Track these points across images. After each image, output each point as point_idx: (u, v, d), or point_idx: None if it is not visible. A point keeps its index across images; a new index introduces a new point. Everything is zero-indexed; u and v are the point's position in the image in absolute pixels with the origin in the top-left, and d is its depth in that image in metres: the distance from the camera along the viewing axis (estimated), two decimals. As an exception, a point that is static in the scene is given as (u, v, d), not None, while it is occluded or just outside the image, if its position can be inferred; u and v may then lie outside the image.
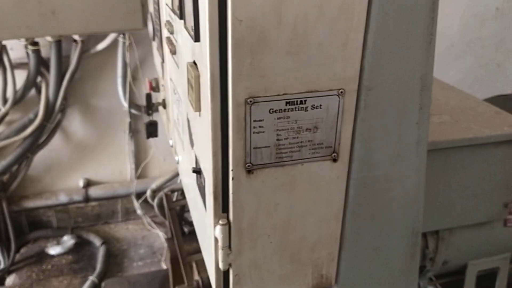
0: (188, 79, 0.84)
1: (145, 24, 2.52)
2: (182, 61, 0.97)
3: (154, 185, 1.83)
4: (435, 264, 1.44)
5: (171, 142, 1.38)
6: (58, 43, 2.60)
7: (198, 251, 1.93)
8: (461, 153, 1.25)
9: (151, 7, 1.47)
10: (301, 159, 0.80)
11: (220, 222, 0.81)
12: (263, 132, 0.75)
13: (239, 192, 0.79)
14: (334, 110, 0.77)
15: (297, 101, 0.75)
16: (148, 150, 3.34)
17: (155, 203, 1.95)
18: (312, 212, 0.85)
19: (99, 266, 3.02)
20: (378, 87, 0.78)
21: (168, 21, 1.08)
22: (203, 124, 0.80)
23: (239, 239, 0.83)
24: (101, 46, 2.74)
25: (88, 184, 3.30)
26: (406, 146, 0.85)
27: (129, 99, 2.97)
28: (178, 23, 0.95)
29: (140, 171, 3.38)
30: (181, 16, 0.86)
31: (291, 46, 0.71)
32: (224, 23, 0.68)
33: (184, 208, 1.81)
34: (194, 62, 0.82)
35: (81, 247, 3.21)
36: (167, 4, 1.09)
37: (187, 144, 1.04)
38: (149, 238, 3.37)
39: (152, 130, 1.49)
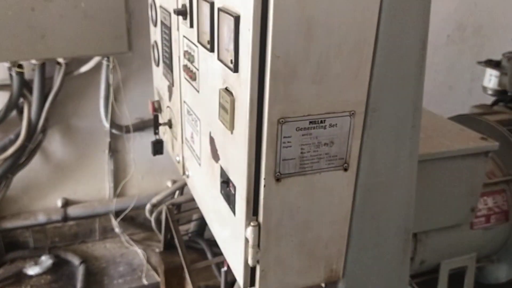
0: (221, 103, 0.99)
1: (130, 48, 2.64)
2: (206, 86, 1.12)
3: (154, 200, 1.93)
4: (414, 263, 1.63)
5: (178, 159, 1.51)
6: (43, 65, 2.67)
7: (193, 262, 2.05)
8: (435, 165, 1.45)
9: (155, 37, 1.61)
10: (319, 169, 0.96)
11: (252, 224, 0.96)
12: (290, 146, 0.91)
13: (269, 197, 0.94)
14: (346, 128, 0.94)
15: (318, 120, 0.91)
16: (127, 169, 3.41)
17: (153, 217, 2.04)
18: (326, 214, 1.01)
19: (79, 285, 3.05)
20: (381, 109, 0.96)
21: (187, 51, 1.23)
22: (237, 141, 0.94)
23: (267, 238, 0.97)
24: (84, 68, 2.83)
25: (67, 203, 3.33)
26: (401, 157, 1.03)
27: (110, 120, 3.05)
28: (203, 54, 1.10)
29: (118, 190, 3.44)
30: (212, 49, 1.01)
31: (315, 77, 0.87)
32: (263, 58, 0.84)
33: (178, 222, 1.92)
34: (226, 89, 0.97)
35: (60, 267, 3.22)
36: (185, 37, 1.24)
37: (207, 158, 1.17)
38: (128, 255, 3.42)
39: (158, 148, 1.61)
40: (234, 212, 1.01)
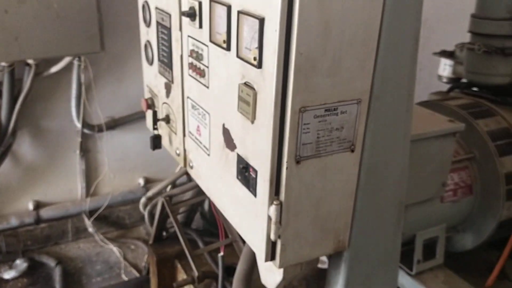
0: (240, 96, 1.10)
1: (102, 48, 2.67)
2: (218, 82, 1.22)
3: (150, 193, 1.99)
4: (394, 236, 1.80)
5: (178, 152, 1.60)
6: (12, 67, 2.65)
7: (182, 252, 2.13)
8: (413, 146, 1.62)
9: (147, 37, 1.68)
10: (332, 151, 1.09)
11: (275, 202, 1.08)
12: (309, 132, 1.04)
13: (290, 178, 1.06)
14: (354, 114, 1.08)
15: (332, 108, 1.04)
16: (99, 168, 3.43)
17: (147, 210, 2.10)
18: (336, 191, 1.14)
19: (58, 286, 3.05)
20: (381, 97, 1.10)
21: (193, 50, 1.32)
22: (259, 129, 1.06)
23: (287, 215, 1.10)
24: (55, 68, 2.83)
25: (38, 206, 3.31)
26: (398, 138, 1.18)
27: (82, 119, 3.06)
28: (215, 53, 1.20)
29: (91, 190, 3.45)
30: (229, 48, 1.12)
31: (330, 70, 1.00)
32: (287, 55, 0.95)
33: (167, 216, 1.99)
34: (246, 83, 1.08)
35: (35, 270, 3.20)
36: (190, 37, 1.33)
37: (218, 148, 1.28)
38: (103, 254, 3.45)
39: (157, 142, 1.68)
40: (255, 194, 1.13)
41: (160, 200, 1.89)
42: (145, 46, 1.71)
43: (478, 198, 2.00)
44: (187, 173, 1.88)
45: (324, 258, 1.41)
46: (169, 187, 2.07)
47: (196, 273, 1.73)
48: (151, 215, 2.09)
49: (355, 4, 0.97)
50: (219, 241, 1.95)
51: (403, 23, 1.06)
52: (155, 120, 1.64)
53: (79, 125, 3.08)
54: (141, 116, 3.41)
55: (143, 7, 1.65)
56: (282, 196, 1.08)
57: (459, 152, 1.98)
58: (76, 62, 2.82)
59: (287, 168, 1.05)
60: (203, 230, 2.28)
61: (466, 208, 2.01)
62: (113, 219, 3.60)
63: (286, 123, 1.01)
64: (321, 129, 1.05)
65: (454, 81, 2.53)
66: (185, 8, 1.33)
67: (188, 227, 2.28)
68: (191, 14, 1.26)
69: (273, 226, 1.10)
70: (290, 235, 1.13)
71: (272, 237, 1.11)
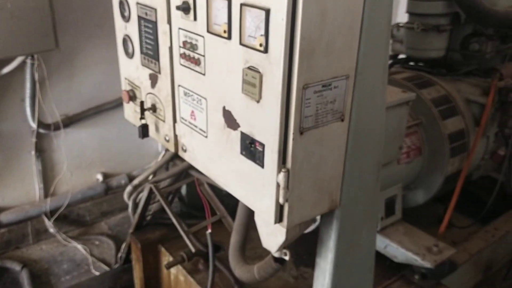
0: (245, 79, 1.24)
1: (57, 45, 2.67)
2: (216, 69, 1.35)
3: (136, 181, 2.05)
4: (363, 197, 2.03)
5: (167, 138, 1.71)
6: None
7: (166, 236, 2.24)
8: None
9: (126, 32, 1.76)
10: (327, 121, 1.27)
11: (283, 170, 1.24)
12: (310, 106, 1.21)
13: (295, 148, 1.22)
14: (343, 88, 1.26)
15: (327, 84, 1.22)
16: (55, 167, 3.40)
17: (131, 199, 2.16)
18: (330, 156, 1.33)
19: (27, 288, 3.03)
20: (363, 72, 1.29)
21: (186, 41, 1.44)
22: (265, 108, 1.21)
23: (293, 180, 1.26)
24: (6, 69, 2.77)
25: (-4, 211, 3.23)
26: (377, 107, 1.39)
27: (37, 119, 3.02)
28: (213, 42, 1.33)
29: (51, 190, 3.41)
30: (230, 37, 1.26)
31: (325, 51, 1.17)
32: (292, 40, 1.11)
33: (149, 201, 2.08)
34: (250, 67, 1.22)
35: (1, 276, 3.14)
36: (182, 29, 1.44)
37: (218, 129, 1.41)
38: (68, 253, 3.43)
39: (145, 131, 1.77)
40: (262, 165, 1.28)
41: (147, 187, 1.98)
42: (124, 40, 1.79)
43: (427, 158, 2.28)
44: (171, 160, 1.98)
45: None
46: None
47: (191, 250, 1.85)
48: (135, 203, 2.16)
49: (344, -6, 1.15)
50: (205, 220, 2.08)
51: (379, 10, 1.26)
52: (143, 110, 1.73)
53: (34, 125, 3.04)
54: (95, 112, 3.42)
55: (121, 3, 1.73)
56: (289, 164, 1.24)
57: (408, 119, 2.24)
58: (29, 61, 2.78)
59: (293, 139, 1.21)
60: (182, 214, 2.38)
61: (417, 168, 2.29)
62: (74, 218, 3.58)
63: (292, 100, 1.17)
64: (319, 102, 1.22)
65: (393, 57, 2.82)
66: (176, 2, 1.44)
67: (164, 213, 2.37)
68: (186, 8, 1.37)
69: (281, 191, 1.26)
70: (295, 198, 1.30)
71: (281, 200, 1.27)
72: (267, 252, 1.56)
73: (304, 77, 1.16)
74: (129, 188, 2.11)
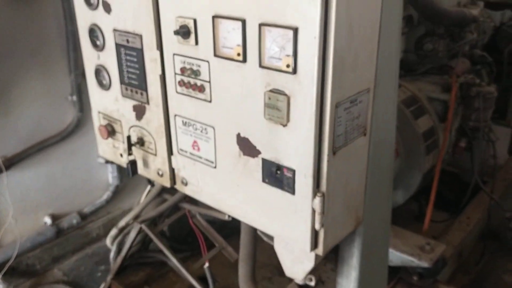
0: (267, 103, 1.16)
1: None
2: (228, 94, 1.26)
3: (123, 222, 1.85)
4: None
5: (160, 172, 1.57)
6: None
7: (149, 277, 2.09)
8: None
9: (99, 61, 1.60)
10: (354, 137, 1.22)
11: (318, 195, 1.17)
12: (341, 124, 1.16)
13: (330, 169, 1.17)
14: (365, 102, 1.23)
15: (354, 99, 1.17)
16: (-2, 216, 3.04)
17: (115, 243, 1.95)
18: (356, 172, 1.28)
19: None
20: (380, 84, 1.27)
21: (185, 68, 1.33)
22: (295, 131, 1.14)
23: (328, 203, 1.20)
24: None
25: None
26: (390, 118, 1.37)
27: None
28: (222, 66, 1.23)
29: (-7, 241, 3.05)
30: (245, 60, 1.17)
31: (353, 67, 1.13)
32: (324, 58, 1.06)
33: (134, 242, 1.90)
34: (273, 90, 1.14)
35: None
36: (178, 54, 1.33)
37: (232, 158, 1.32)
38: (21, 308, 3.08)
39: (134, 168, 1.61)
40: (292, 191, 1.21)
41: (136, 227, 1.80)
42: (97, 71, 1.63)
43: (404, 158, 2.33)
44: (158, 195, 1.83)
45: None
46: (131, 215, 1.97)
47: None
48: (119, 248, 1.96)
49: (366, 8, 1.12)
50: (190, 253, 1.95)
51: (393, 20, 1.24)
52: (130, 145, 1.58)
53: (-29, 172, 2.70)
54: (37, 149, 3.12)
55: (92, 30, 1.57)
56: (323, 187, 1.18)
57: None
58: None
59: (328, 161, 1.15)
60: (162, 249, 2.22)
61: (396, 169, 2.33)
62: (23, 269, 3.22)
63: (325, 120, 1.11)
64: (348, 119, 1.18)
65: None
66: (167, 26, 1.32)
67: (146, 251, 2.20)
68: (185, 33, 1.27)
69: (317, 217, 1.19)
70: (330, 222, 1.24)
71: (317, 226, 1.21)
72: (272, 274, 1.48)
73: (336, 95, 1.11)
74: (113, 232, 1.91)
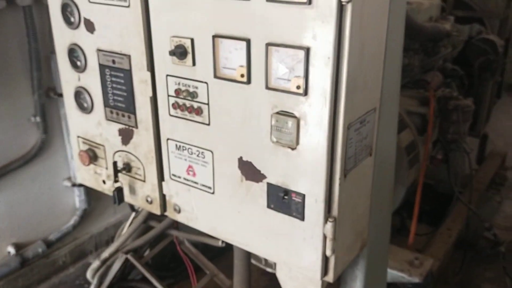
0: (276, 125, 1.10)
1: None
2: (227, 117, 1.19)
3: (106, 253, 1.71)
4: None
5: (149, 199, 1.48)
6: None
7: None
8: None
9: (79, 83, 1.50)
10: (361, 159, 1.18)
11: (329, 220, 1.12)
12: (351, 146, 1.11)
13: (341, 193, 1.12)
14: (372, 121, 1.19)
15: (363, 120, 1.14)
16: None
17: (97, 275, 1.80)
18: (363, 194, 1.25)
19: None
20: (384, 103, 1.24)
21: (179, 90, 1.26)
22: (305, 154, 1.09)
23: (339, 228, 1.15)
24: None
25: None
26: (392, 136, 1.34)
27: None
28: (222, 88, 1.17)
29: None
30: (249, 81, 1.11)
31: (363, 87, 1.10)
32: (337, 79, 1.01)
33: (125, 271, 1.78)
34: (280, 112, 1.09)
35: None
36: (172, 76, 1.26)
37: (232, 183, 1.25)
38: None
39: (120, 196, 1.50)
40: (302, 217, 1.15)
41: (120, 258, 1.68)
42: (77, 93, 1.52)
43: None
44: (144, 222, 1.72)
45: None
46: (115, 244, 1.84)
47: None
48: (100, 281, 1.83)
49: (375, 26, 1.09)
50: (175, 280, 1.85)
51: (396, 41, 1.22)
52: (116, 171, 1.48)
53: None
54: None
55: (71, 50, 1.46)
56: (335, 212, 1.13)
57: (366, 138, 2.26)
58: None
59: (339, 184, 1.10)
60: (144, 278, 2.10)
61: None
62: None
63: (338, 142, 1.07)
64: (357, 140, 1.14)
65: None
66: (160, 46, 1.25)
67: (125, 281, 2.07)
68: (182, 53, 1.20)
69: (329, 243, 1.14)
70: (340, 247, 1.19)
71: (328, 253, 1.15)
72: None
73: (349, 117, 1.07)
74: (95, 264, 1.78)
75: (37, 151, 3.10)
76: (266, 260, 1.86)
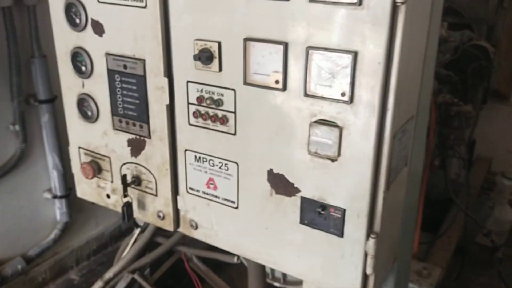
0: (315, 136, 1.03)
1: None
2: (257, 126, 1.11)
3: (111, 273, 1.57)
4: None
5: (161, 215, 1.37)
6: None
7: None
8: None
9: (83, 90, 1.38)
10: (400, 169, 1.12)
11: (371, 236, 1.05)
12: (395, 157, 1.05)
13: (384, 206, 1.05)
14: (410, 130, 1.13)
15: (405, 129, 1.07)
16: None
17: None
18: (399, 206, 1.18)
19: None
20: (419, 111, 1.18)
21: (202, 97, 1.16)
22: (347, 166, 1.01)
23: (381, 245, 1.08)
24: None
25: None
26: (422, 146, 1.29)
27: None
28: (251, 95, 1.09)
29: None
30: (285, 88, 1.03)
31: (407, 94, 1.04)
32: (386, 86, 0.95)
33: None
34: (321, 121, 1.01)
35: None
36: (194, 82, 1.16)
37: (260, 197, 1.17)
38: None
39: (129, 211, 1.38)
40: (340, 234, 1.07)
41: (126, 278, 1.56)
42: (80, 101, 1.40)
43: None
44: (151, 239, 1.60)
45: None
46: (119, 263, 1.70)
47: None
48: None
49: (420, 30, 1.03)
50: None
51: (433, 46, 1.17)
52: (126, 185, 1.36)
53: None
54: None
55: (75, 54, 1.35)
56: (377, 227, 1.06)
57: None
58: None
59: (383, 198, 1.03)
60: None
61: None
62: None
63: (384, 153, 1.00)
64: (399, 150, 1.07)
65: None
66: (180, 50, 1.15)
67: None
68: (208, 58, 1.10)
69: (370, 261, 1.07)
70: (379, 265, 1.12)
71: (369, 271, 1.08)
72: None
73: (395, 125, 1.00)
74: (98, 285, 1.64)
75: (16, 162, 2.92)
76: (273, 274, 1.78)
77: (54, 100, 2.73)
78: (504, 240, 3.14)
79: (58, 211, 3.21)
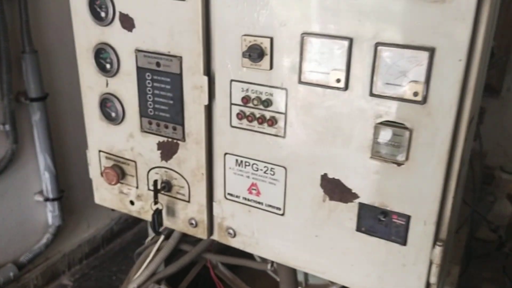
0: (380, 138, 0.96)
1: None
2: (311, 129, 1.03)
3: (135, 284, 1.46)
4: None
5: (193, 222, 1.28)
6: None
7: None
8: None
9: (106, 90, 1.28)
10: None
11: (438, 243, 0.99)
12: (464, 158, 0.99)
13: (452, 213, 0.99)
14: (472, 131, 1.07)
15: (469, 129, 1.01)
16: None
17: None
18: (457, 209, 1.12)
19: None
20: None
21: (248, 97, 1.08)
22: (416, 170, 0.95)
23: (445, 252, 1.02)
24: None
25: None
26: (470, 143, 1.23)
27: None
28: (306, 94, 1.01)
29: None
30: (347, 87, 0.96)
31: (476, 94, 0.97)
32: (465, 84, 0.88)
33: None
34: (388, 122, 0.94)
35: None
36: (239, 81, 1.08)
37: (311, 203, 1.09)
38: None
39: (160, 220, 1.28)
40: (403, 242, 1.01)
41: (152, 289, 1.46)
42: (104, 101, 1.29)
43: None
44: (177, 246, 1.51)
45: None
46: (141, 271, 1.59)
47: None
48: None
49: (493, 25, 0.97)
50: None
51: (488, 46, 1.11)
52: (157, 191, 1.27)
53: None
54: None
55: (99, 51, 1.24)
56: (444, 234, 1.00)
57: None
58: None
59: (452, 204, 0.97)
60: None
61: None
62: None
63: (456, 156, 0.94)
64: (466, 153, 1.01)
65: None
66: (224, 46, 1.06)
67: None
68: (259, 54, 1.02)
69: (435, 270, 1.01)
70: (442, 271, 1.06)
71: (433, 280, 1.02)
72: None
73: (468, 127, 0.94)
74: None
75: (6, 163, 2.76)
76: (306, 282, 1.71)
77: (46, 98, 2.59)
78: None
79: (50, 214, 3.06)
